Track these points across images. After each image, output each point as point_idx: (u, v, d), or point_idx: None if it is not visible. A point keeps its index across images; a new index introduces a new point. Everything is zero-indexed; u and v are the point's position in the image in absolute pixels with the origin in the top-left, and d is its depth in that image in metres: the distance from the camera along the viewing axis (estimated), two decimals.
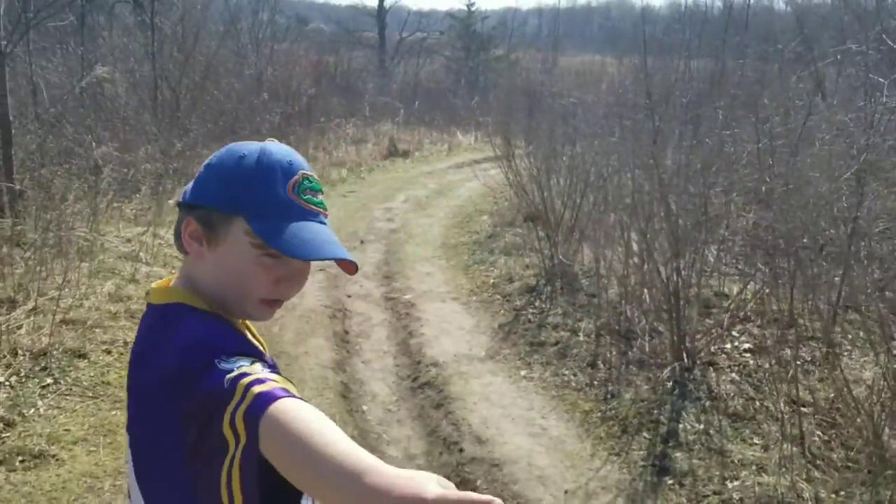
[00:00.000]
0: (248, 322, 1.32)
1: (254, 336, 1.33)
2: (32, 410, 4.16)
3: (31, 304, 5.27)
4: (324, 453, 0.93)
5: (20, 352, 4.70)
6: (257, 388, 1.00)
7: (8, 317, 5.02)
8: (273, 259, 1.17)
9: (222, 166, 1.18)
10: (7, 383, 4.39)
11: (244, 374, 1.03)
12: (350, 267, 1.23)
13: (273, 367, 1.20)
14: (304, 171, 1.20)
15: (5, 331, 4.80)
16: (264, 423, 0.97)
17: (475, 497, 0.83)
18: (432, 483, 0.85)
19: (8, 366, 4.54)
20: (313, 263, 1.21)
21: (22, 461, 3.72)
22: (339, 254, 1.17)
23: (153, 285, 1.27)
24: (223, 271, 1.19)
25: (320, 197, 1.22)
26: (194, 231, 1.19)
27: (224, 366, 1.04)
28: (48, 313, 5.14)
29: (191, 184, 1.21)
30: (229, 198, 1.16)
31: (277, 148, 1.22)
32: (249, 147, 1.20)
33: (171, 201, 8.02)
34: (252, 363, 1.07)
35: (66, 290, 5.42)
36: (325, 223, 1.21)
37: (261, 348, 1.28)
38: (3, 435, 3.91)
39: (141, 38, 12.08)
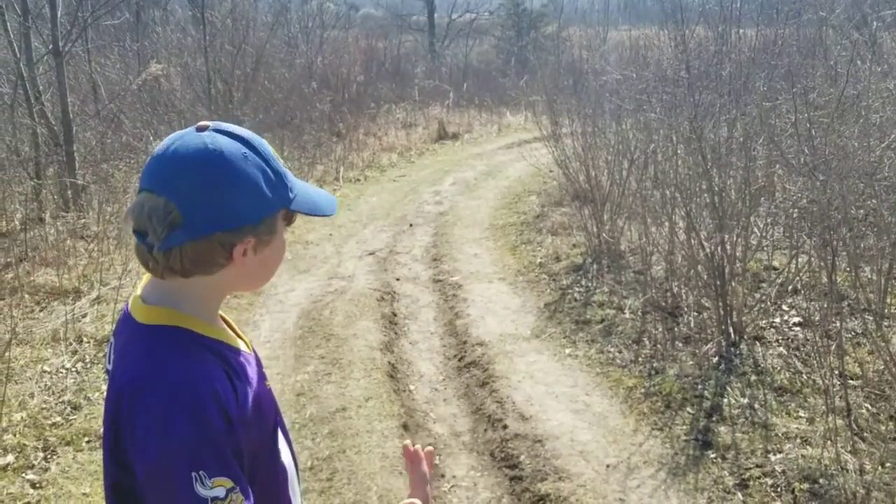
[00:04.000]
0: (224, 316, 1.29)
1: (234, 331, 1.30)
2: (97, 394, 4.39)
3: (94, 294, 5.54)
4: None
5: (85, 339, 4.95)
6: None
7: (73, 306, 5.29)
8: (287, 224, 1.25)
9: (244, 178, 1.12)
10: (73, 369, 4.64)
11: None
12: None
13: (258, 364, 1.25)
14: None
15: (71, 319, 5.07)
16: None
17: None
18: None
19: (74, 352, 4.79)
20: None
21: (88, 441, 3.94)
22: (333, 199, 1.28)
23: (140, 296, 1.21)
24: (268, 262, 1.21)
25: None
26: (248, 246, 1.15)
27: (200, 491, 1.02)
28: (110, 302, 5.39)
29: (177, 224, 1.09)
30: (275, 198, 1.16)
31: (235, 129, 1.17)
32: (223, 144, 1.13)
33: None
34: (227, 495, 1.04)
35: (127, 279, 5.66)
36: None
37: (243, 345, 1.28)
38: (71, 417, 4.15)
39: (194, 32, 12.38)
